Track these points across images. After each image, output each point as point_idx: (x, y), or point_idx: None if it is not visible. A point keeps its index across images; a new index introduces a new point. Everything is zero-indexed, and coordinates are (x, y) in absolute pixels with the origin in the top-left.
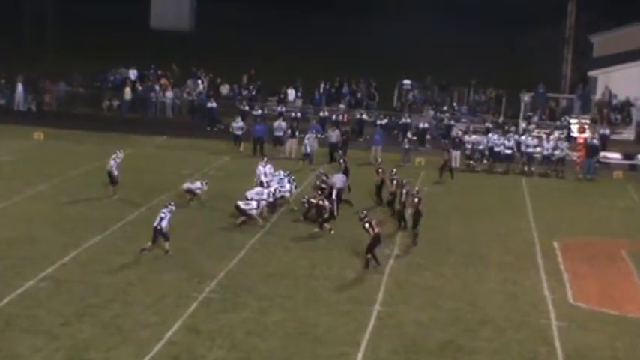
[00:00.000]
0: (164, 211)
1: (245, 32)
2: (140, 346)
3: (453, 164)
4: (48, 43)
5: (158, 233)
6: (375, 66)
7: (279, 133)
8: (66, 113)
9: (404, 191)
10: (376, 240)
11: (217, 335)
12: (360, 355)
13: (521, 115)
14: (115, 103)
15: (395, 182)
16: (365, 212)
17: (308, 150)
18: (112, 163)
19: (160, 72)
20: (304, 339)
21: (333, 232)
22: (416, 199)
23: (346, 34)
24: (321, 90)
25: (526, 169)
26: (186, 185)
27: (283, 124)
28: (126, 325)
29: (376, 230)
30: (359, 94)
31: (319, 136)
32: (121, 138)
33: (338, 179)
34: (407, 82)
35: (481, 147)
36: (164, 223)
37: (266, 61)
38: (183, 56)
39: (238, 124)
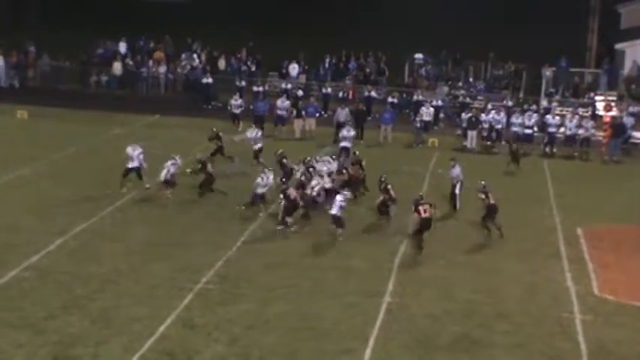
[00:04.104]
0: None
1: (243, 1)
2: (131, 340)
3: (469, 145)
4: (30, 14)
5: (166, 184)
6: (384, 39)
7: (282, 112)
8: (51, 90)
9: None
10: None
11: (214, 329)
12: (368, 351)
13: (543, 91)
14: (104, 78)
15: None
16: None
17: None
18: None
19: (152, 45)
20: (308, 333)
21: (294, 228)
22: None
23: (353, 4)
24: (326, 65)
25: (548, 150)
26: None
27: (287, 102)
28: (116, 319)
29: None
30: (367, 70)
31: (316, 115)
32: (110, 116)
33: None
34: (419, 56)
35: (499, 126)
36: (169, 175)
37: (266, 34)
38: (176, 28)
39: (237, 101)
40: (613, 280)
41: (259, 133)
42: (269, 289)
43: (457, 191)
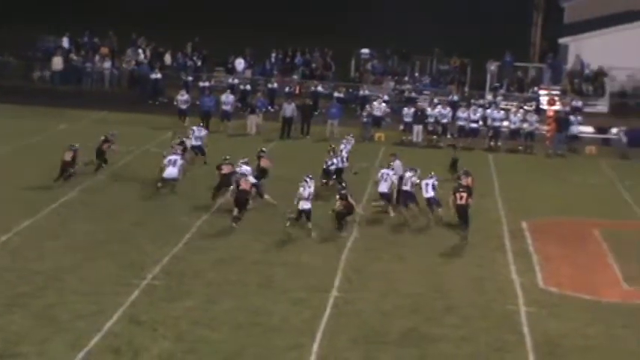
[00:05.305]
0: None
1: None
2: (77, 337)
3: (415, 139)
4: None
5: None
6: (330, 34)
7: (227, 107)
8: None
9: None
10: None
11: (161, 326)
12: (316, 346)
13: (487, 85)
14: (47, 73)
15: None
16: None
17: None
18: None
19: (96, 40)
20: (256, 329)
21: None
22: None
23: None
24: (273, 60)
25: (493, 144)
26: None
27: (231, 97)
28: (61, 316)
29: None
30: (313, 65)
31: (264, 110)
32: (56, 112)
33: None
34: (365, 51)
35: (445, 120)
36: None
37: (212, 29)
38: (121, 23)
39: (183, 96)
40: (557, 272)
41: (203, 132)
42: (216, 285)
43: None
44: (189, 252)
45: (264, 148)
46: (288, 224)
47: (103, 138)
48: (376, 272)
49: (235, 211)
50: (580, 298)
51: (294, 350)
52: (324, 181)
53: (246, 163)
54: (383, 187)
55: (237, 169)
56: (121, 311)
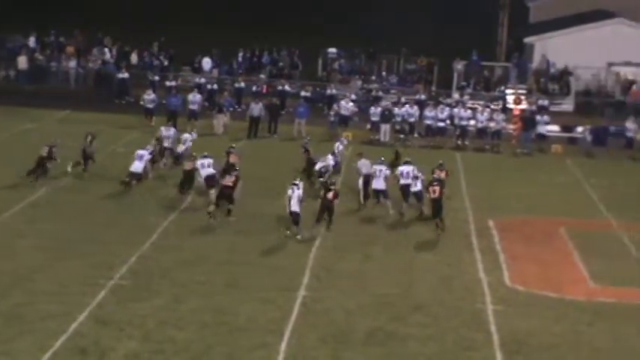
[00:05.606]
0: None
1: None
2: (44, 337)
3: (382, 138)
4: None
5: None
6: (297, 33)
7: (194, 107)
8: None
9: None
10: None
11: (128, 326)
12: (283, 345)
13: (454, 85)
14: (12, 73)
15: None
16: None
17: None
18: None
19: (62, 39)
20: (223, 329)
21: (212, 219)
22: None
23: None
24: (240, 59)
25: (460, 143)
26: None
27: (198, 96)
28: (28, 316)
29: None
30: (281, 64)
31: (231, 109)
32: (21, 111)
33: (362, 164)
34: (332, 50)
35: (412, 119)
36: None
37: (179, 28)
38: (87, 22)
39: (150, 96)
40: (524, 271)
41: (171, 131)
42: (183, 285)
43: (361, 185)
44: (156, 252)
45: (233, 145)
46: (288, 233)
47: (89, 137)
48: (345, 271)
49: (211, 208)
50: (546, 296)
51: (262, 349)
52: (321, 179)
53: (207, 157)
54: (378, 184)
55: (198, 163)
56: (87, 311)
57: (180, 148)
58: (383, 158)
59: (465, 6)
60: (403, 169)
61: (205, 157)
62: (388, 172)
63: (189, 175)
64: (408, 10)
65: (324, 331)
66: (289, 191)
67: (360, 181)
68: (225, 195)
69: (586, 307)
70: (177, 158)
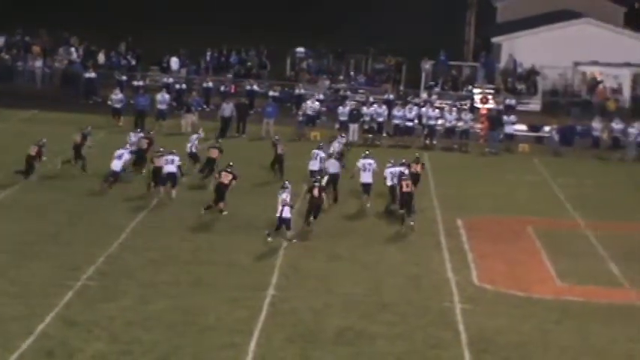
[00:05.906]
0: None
1: None
2: (8, 340)
3: (350, 138)
4: None
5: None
6: (265, 32)
7: (162, 106)
8: None
9: None
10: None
11: (95, 327)
12: (252, 345)
13: (422, 84)
14: None
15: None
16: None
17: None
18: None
19: (27, 39)
20: (191, 329)
21: (203, 212)
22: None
23: None
24: (208, 59)
25: (428, 142)
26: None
27: (167, 96)
28: None
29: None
30: (249, 63)
31: (199, 109)
32: None
33: (331, 164)
34: (300, 50)
35: (381, 119)
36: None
37: (146, 27)
38: (53, 22)
39: (117, 96)
40: (492, 270)
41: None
42: (150, 285)
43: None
44: (123, 252)
45: (219, 140)
46: (269, 239)
47: (80, 135)
48: (313, 270)
49: (212, 201)
50: (514, 295)
51: (230, 349)
52: (318, 178)
53: (172, 153)
54: (366, 178)
55: (164, 160)
56: (54, 313)
57: (189, 148)
58: (368, 152)
59: (433, 5)
60: (364, 162)
61: (171, 153)
62: (375, 165)
63: (160, 171)
64: (376, 10)
65: (293, 330)
66: (282, 195)
67: (325, 180)
68: (220, 192)
69: (553, 305)
70: (193, 157)
